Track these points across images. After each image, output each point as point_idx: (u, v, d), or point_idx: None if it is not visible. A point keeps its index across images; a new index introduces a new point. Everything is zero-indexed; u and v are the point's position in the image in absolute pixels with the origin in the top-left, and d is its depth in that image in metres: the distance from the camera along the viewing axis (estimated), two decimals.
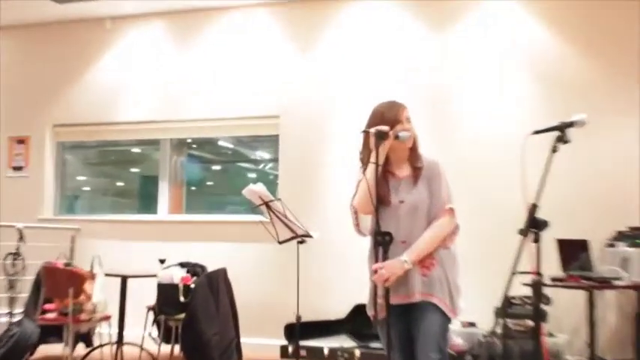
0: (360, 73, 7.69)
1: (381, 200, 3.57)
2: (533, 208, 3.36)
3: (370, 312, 3.67)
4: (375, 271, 3.47)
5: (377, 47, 7.71)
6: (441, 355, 3.50)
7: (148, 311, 6.75)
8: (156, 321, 6.71)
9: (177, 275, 6.36)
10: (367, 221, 3.73)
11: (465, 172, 6.56)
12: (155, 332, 6.83)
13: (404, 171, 3.73)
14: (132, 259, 7.39)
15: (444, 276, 3.59)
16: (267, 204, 4.57)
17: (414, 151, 3.74)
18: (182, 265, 6.69)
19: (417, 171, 3.70)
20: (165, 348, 6.73)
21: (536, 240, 3.35)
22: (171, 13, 8.42)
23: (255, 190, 4.71)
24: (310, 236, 4.91)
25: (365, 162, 3.64)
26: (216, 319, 6.24)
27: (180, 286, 6.30)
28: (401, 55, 7.61)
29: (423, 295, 3.55)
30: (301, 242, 4.88)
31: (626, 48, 6.98)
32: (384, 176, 3.67)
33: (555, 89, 7.09)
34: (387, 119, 3.62)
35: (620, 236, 6.55)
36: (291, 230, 4.64)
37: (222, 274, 6.50)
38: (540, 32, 7.29)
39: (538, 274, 3.52)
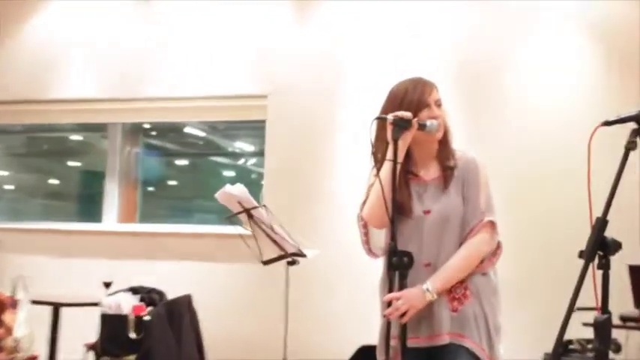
0: (374, 42, 7.69)
1: (400, 210, 3.52)
2: (601, 224, 3.35)
3: (381, 357, 3.61)
4: (389, 303, 3.41)
5: (396, 9, 7.70)
6: None
7: (88, 350, 6.70)
8: None
9: (128, 304, 6.35)
10: (381, 238, 3.68)
11: (510, 174, 6.58)
12: None
13: (431, 172, 3.69)
14: (68, 282, 7.35)
15: (480, 312, 3.55)
16: (248, 212, 4.56)
17: (445, 145, 3.69)
18: (134, 290, 6.66)
19: (448, 172, 3.65)
20: None
21: (604, 266, 3.35)
22: None
23: (233, 193, 4.72)
24: (304, 255, 4.90)
25: (379, 159, 3.61)
26: (178, 359, 6.24)
27: (131, 318, 6.27)
28: (427, 20, 7.63)
29: (453, 335, 3.49)
30: (292, 263, 4.84)
31: None
32: (404, 179, 3.63)
33: (636, 66, 7.08)
34: (409, 102, 3.57)
35: None
36: (279, 247, 4.64)
37: (185, 302, 6.50)
38: None
39: (604, 310, 3.53)
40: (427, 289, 3.43)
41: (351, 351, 6.97)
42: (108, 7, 8.40)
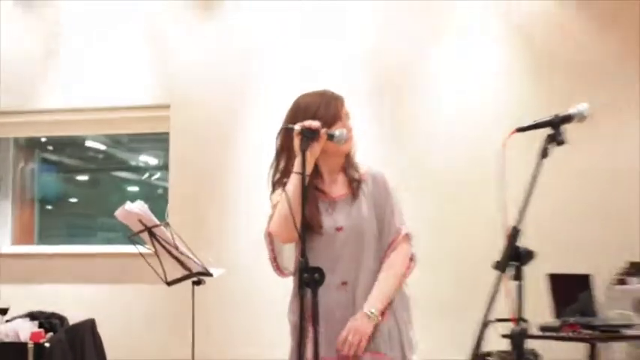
0: (280, 52, 7.72)
1: (309, 225, 3.49)
2: (515, 233, 3.40)
3: None
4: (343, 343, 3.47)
5: (300, 12, 7.76)
6: None
7: None
8: None
9: (25, 330, 6.31)
10: (291, 254, 3.66)
11: (420, 185, 6.64)
12: None
13: (339, 187, 3.71)
14: None
15: (395, 327, 3.59)
16: (149, 230, 4.53)
17: (350, 158, 3.74)
18: (32, 316, 6.61)
19: (355, 185, 3.68)
20: None
21: (518, 277, 3.41)
22: None
23: (133, 210, 4.68)
24: (210, 274, 4.87)
25: (280, 170, 3.66)
26: None
27: (30, 345, 6.22)
28: (331, 23, 7.67)
29: (372, 353, 3.53)
30: (198, 283, 4.81)
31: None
32: (312, 194, 3.61)
33: (554, 72, 7.27)
34: (322, 116, 3.56)
35: (633, 270, 6.74)
36: (184, 266, 4.61)
37: (88, 327, 6.46)
38: None
39: (520, 321, 3.60)
40: (371, 313, 3.47)
41: None
42: None
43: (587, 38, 7.26)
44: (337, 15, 7.63)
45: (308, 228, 3.44)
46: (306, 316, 3.31)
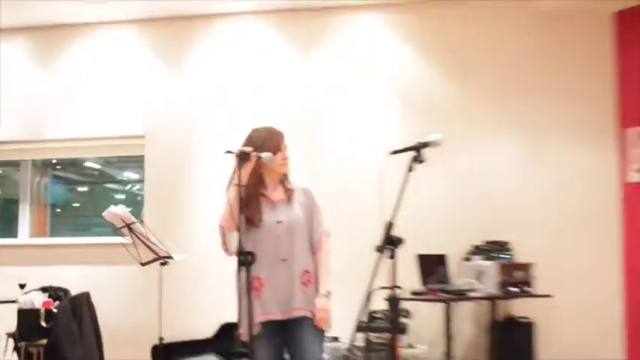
0: (228, 93, 7.63)
1: (250, 221, 3.64)
2: (389, 226, 3.46)
3: (243, 330, 3.54)
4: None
5: (244, 67, 7.68)
6: None
7: (8, 338, 6.49)
8: (16, 348, 6.43)
9: (39, 300, 6.25)
10: (234, 241, 3.68)
11: (328, 193, 6.60)
12: (16, 359, 6.55)
13: (278, 194, 3.81)
14: None
15: (314, 290, 3.75)
16: (128, 226, 4.48)
17: (286, 175, 3.85)
18: (44, 289, 6.53)
19: (289, 193, 3.80)
20: None
21: (392, 256, 3.46)
22: (34, 29, 8.06)
23: (116, 212, 4.62)
24: (172, 257, 4.83)
25: (232, 182, 3.65)
26: (79, 343, 6.13)
27: (42, 311, 6.15)
28: (268, 75, 7.61)
29: (304, 310, 3.68)
30: (164, 264, 4.78)
31: (483, 73, 7.33)
32: (257, 198, 3.72)
33: (419, 110, 7.27)
34: (269, 147, 3.66)
35: (476, 250, 6.81)
36: (153, 252, 4.56)
37: (85, 297, 6.40)
38: (406, 55, 7.47)
39: (395, 288, 3.64)
40: (328, 292, 3.75)
41: (215, 327, 6.96)
42: (17, 67, 8.04)
43: (441, 89, 7.33)
44: (272, 72, 7.62)
45: (249, 223, 3.62)
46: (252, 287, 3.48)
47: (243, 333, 3.51)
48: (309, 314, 3.66)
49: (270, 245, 3.67)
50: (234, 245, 3.65)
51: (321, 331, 3.73)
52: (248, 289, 3.35)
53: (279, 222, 3.70)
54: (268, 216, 3.71)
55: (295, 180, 3.91)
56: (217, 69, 7.69)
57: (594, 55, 7.17)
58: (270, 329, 3.63)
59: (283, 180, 3.83)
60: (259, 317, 3.58)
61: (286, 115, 7.06)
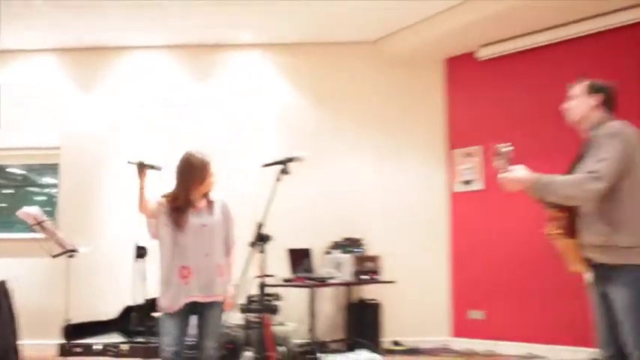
0: (132, 114, 7.52)
1: (176, 225, 3.75)
2: (260, 225, 3.61)
3: (165, 304, 3.75)
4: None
5: (147, 93, 7.59)
6: (216, 344, 3.83)
7: None
8: None
9: None
10: (152, 228, 3.85)
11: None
12: None
13: (202, 203, 3.89)
14: None
15: (228, 280, 3.85)
16: (40, 224, 4.41)
17: (208, 191, 3.93)
18: None
19: (210, 204, 3.89)
20: None
21: (262, 251, 3.62)
22: None
23: (29, 212, 4.52)
24: (77, 251, 4.75)
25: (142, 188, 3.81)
26: (4, 324, 5.87)
27: None
28: (167, 101, 7.53)
29: (220, 296, 3.79)
30: (71, 256, 4.71)
31: (343, 103, 7.50)
32: (185, 207, 3.80)
33: (293, 131, 7.35)
34: (201, 175, 3.82)
35: (335, 245, 6.97)
36: (62, 246, 4.50)
37: (1, 285, 6.16)
38: (283, 87, 7.55)
39: (266, 276, 3.81)
40: (233, 285, 3.86)
41: (119, 309, 6.89)
42: None
43: (310, 115, 7.47)
44: (170, 98, 7.56)
45: (176, 226, 3.74)
46: (175, 273, 3.70)
47: (165, 307, 3.72)
48: (221, 299, 3.78)
49: (197, 243, 3.77)
50: (152, 232, 3.83)
51: (223, 311, 3.86)
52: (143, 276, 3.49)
53: (203, 225, 3.80)
54: (195, 220, 3.80)
55: (215, 195, 3.97)
56: (124, 94, 7.61)
57: (430, 91, 7.48)
58: (188, 307, 3.73)
59: (206, 194, 3.91)
60: (184, 299, 3.71)
61: (180, 135, 7.07)
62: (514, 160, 3.10)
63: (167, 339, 3.73)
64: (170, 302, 3.73)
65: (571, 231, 3.17)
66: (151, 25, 7.01)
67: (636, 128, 3.14)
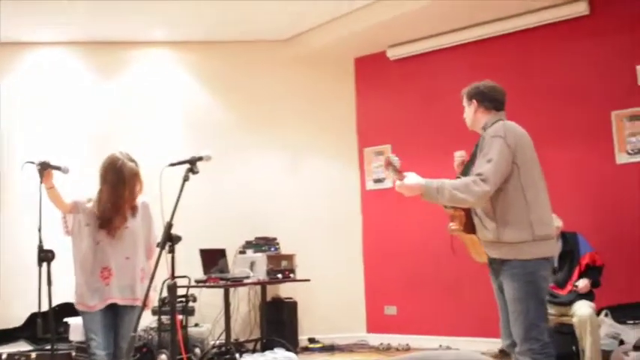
0: (35, 111, 7.00)
1: (107, 232, 3.69)
2: (169, 226, 3.35)
3: (91, 303, 3.68)
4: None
5: (51, 89, 7.12)
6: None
7: None
8: None
9: None
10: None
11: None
12: None
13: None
14: None
15: (146, 283, 3.58)
16: None
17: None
18: None
19: (134, 207, 3.80)
20: None
21: (172, 251, 3.38)
22: None
23: None
24: None
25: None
26: None
27: None
28: (71, 97, 7.11)
29: (140, 300, 3.65)
30: None
31: (256, 103, 7.33)
32: (115, 215, 3.73)
33: (203, 130, 7.15)
34: (132, 184, 3.74)
35: (249, 244, 6.83)
36: None
37: None
38: (191, 86, 7.32)
39: (175, 278, 3.54)
40: (155, 289, 3.85)
41: (24, 317, 6.50)
42: None
43: (220, 114, 7.26)
44: (75, 94, 7.14)
45: (108, 233, 3.70)
46: (96, 273, 3.68)
47: (86, 306, 3.67)
48: (140, 303, 3.62)
49: (118, 245, 3.70)
50: (69, 226, 3.73)
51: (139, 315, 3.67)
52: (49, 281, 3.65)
53: (125, 227, 3.72)
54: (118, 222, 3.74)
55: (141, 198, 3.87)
56: (27, 92, 7.09)
57: (342, 91, 7.49)
58: (107, 308, 3.69)
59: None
60: (105, 300, 3.67)
61: (85, 133, 6.81)
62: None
63: (95, 341, 3.66)
64: (90, 301, 3.66)
65: (470, 227, 3.37)
66: (51, 21, 6.63)
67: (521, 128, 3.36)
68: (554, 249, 3.35)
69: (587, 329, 4.70)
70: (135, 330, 3.55)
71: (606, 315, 5.32)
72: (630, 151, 5.70)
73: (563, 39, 6.08)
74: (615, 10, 5.82)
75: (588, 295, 4.87)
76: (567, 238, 5.07)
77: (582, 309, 4.75)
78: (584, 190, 5.89)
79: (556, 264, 5.02)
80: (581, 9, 5.89)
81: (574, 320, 4.81)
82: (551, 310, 4.80)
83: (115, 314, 3.73)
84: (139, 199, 3.83)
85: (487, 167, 3.13)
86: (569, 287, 4.94)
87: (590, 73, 5.94)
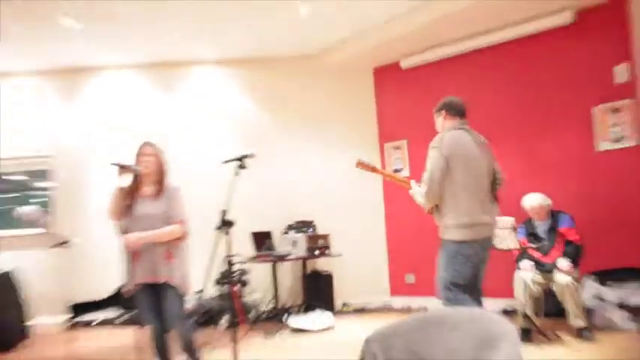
0: (111, 123, 7.39)
1: (128, 212, 3.65)
2: (224, 212, 3.59)
3: (129, 287, 3.66)
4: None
5: (123, 105, 7.46)
6: (183, 320, 3.59)
7: None
8: None
9: None
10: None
11: (189, 191, 6.61)
12: None
13: (150, 191, 3.74)
14: None
15: (177, 264, 3.65)
16: (34, 221, 4.27)
17: (160, 178, 3.76)
18: None
19: (159, 191, 3.71)
20: None
21: (227, 233, 3.58)
22: None
23: (24, 212, 4.35)
24: (69, 241, 4.61)
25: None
26: (11, 307, 5.80)
27: None
28: (139, 111, 7.43)
29: (167, 277, 3.60)
30: (65, 246, 4.54)
31: (293, 108, 7.48)
32: (133, 196, 3.68)
33: (249, 133, 7.30)
34: (137, 154, 3.74)
35: (291, 227, 6.97)
36: (56, 238, 4.36)
37: (10, 274, 6.08)
38: (239, 96, 7.48)
39: (233, 255, 3.79)
40: (141, 237, 3.58)
41: (112, 289, 6.81)
42: None
43: (264, 118, 7.44)
44: (141, 108, 7.45)
45: (127, 213, 3.65)
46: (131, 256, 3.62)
47: (128, 287, 3.65)
48: (170, 281, 3.61)
49: (144, 229, 3.61)
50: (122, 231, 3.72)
51: (180, 293, 3.66)
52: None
53: (148, 212, 3.65)
54: (141, 208, 3.66)
55: (170, 182, 3.80)
56: (103, 107, 7.47)
57: (363, 96, 7.50)
58: (146, 288, 3.64)
59: (156, 181, 3.74)
60: (137, 280, 3.64)
61: (151, 139, 6.87)
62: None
63: (143, 315, 3.65)
64: (130, 281, 3.66)
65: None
66: (121, 48, 6.92)
67: (464, 134, 3.71)
68: (477, 234, 3.59)
69: (566, 293, 4.80)
70: (181, 314, 3.60)
71: (593, 280, 5.37)
72: (611, 140, 5.68)
73: (550, 44, 6.06)
74: (596, 19, 5.81)
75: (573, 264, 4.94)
76: (553, 215, 5.16)
77: (561, 278, 4.85)
78: (569, 174, 5.90)
79: (544, 236, 5.12)
80: (567, 19, 5.91)
81: (555, 288, 4.91)
82: (539, 276, 4.96)
83: (155, 292, 3.69)
84: (170, 185, 3.78)
85: (425, 175, 3.68)
86: (553, 255, 5.00)
87: (573, 73, 5.95)
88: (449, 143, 3.63)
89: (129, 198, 3.69)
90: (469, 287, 3.63)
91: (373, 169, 4.17)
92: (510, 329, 2.13)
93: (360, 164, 4.17)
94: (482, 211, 3.63)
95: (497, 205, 3.84)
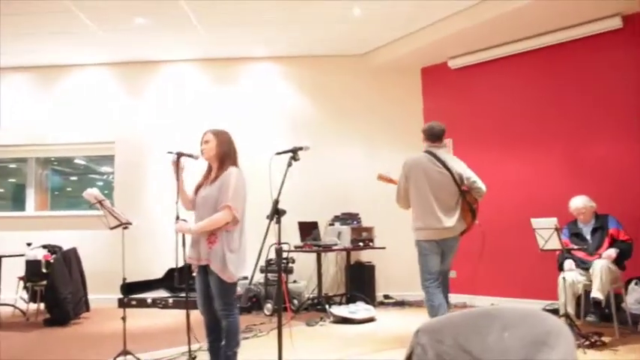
0: (171, 114, 7.49)
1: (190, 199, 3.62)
2: (276, 202, 3.50)
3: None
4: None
5: (182, 97, 7.54)
6: (225, 305, 3.40)
7: (19, 280, 6.28)
8: (25, 287, 6.28)
9: (40, 254, 6.09)
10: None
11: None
12: (25, 295, 6.36)
13: (212, 176, 3.59)
14: (9, 245, 6.65)
15: (220, 250, 3.41)
16: (100, 202, 4.31)
17: (221, 164, 3.60)
18: (44, 246, 6.31)
19: (217, 177, 3.52)
20: (33, 306, 6.29)
21: (278, 222, 3.49)
22: (38, 67, 7.66)
23: (91, 192, 4.40)
24: (131, 223, 4.64)
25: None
26: (70, 283, 5.95)
27: (43, 261, 6.02)
28: (198, 103, 7.49)
29: (207, 260, 3.41)
30: (125, 228, 4.57)
31: (340, 104, 7.42)
32: (205, 180, 3.60)
33: (299, 127, 7.28)
34: (200, 142, 3.64)
35: (337, 218, 6.93)
36: (118, 220, 4.41)
37: (73, 251, 6.28)
38: (290, 91, 7.48)
39: (282, 244, 3.71)
40: (190, 228, 3.45)
41: (163, 271, 6.90)
42: (26, 97, 7.68)
43: (313, 113, 7.41)
44: (200, 101, 7.49)
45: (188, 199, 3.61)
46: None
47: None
48: (210, 265, 3.37)
49: (198, 214, 3.51)
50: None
51: (221, 280, 3.39)
52: (183, 243, 3.45)
53: (203, 197, 3.50)
54: (201, 193, 3.55)
55: (231, 167, 3.61)
56: (164, 99, 7.58)
57: (411, 95, 7.40)
58: (201, 269, 3.49)
59: (217, 167, 3.57)
60: (190, 260, 3.54)
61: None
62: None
63: (197, 295, 3.54)
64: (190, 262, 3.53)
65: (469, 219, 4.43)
66: (183, 44, 7.00)
67: (422, 157, 4.30)
68: (433, 236, 4.25)
69: (597, 268, 4.54)
70: (224, 299, 3.39)
71: (636, 284, 5.17)
72: None
73: (598, 48, 5.83)
74: None
75: (617, 265, 4.74)
76: (599, 217, 4.98)
77: (599, 261, 4.62)
78: (615, 178, 5.65)
79: (588, 237, 4.96)
80: (616, 23, 5.68)
81: (591, 272, 4.63)
82: (583, 277, 4.75)
83: (204, 273, 3.52)
84: (229, 171, 3.58)
85: (397, 189, 4.44)
86: (597, 255, 4.81)
87: (621, 77, 5.70)
88: (407, 166, 4.35)
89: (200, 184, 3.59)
90: (437, 278, 4.28)
91: (390, 181, 4.67)
92: (565, 328, 1.97)
93: (380, 177, 4.74)
94: (436, 219, 4.21)
95: (470, 212, 4.31)
